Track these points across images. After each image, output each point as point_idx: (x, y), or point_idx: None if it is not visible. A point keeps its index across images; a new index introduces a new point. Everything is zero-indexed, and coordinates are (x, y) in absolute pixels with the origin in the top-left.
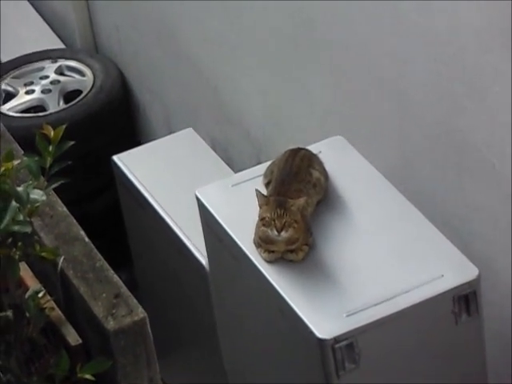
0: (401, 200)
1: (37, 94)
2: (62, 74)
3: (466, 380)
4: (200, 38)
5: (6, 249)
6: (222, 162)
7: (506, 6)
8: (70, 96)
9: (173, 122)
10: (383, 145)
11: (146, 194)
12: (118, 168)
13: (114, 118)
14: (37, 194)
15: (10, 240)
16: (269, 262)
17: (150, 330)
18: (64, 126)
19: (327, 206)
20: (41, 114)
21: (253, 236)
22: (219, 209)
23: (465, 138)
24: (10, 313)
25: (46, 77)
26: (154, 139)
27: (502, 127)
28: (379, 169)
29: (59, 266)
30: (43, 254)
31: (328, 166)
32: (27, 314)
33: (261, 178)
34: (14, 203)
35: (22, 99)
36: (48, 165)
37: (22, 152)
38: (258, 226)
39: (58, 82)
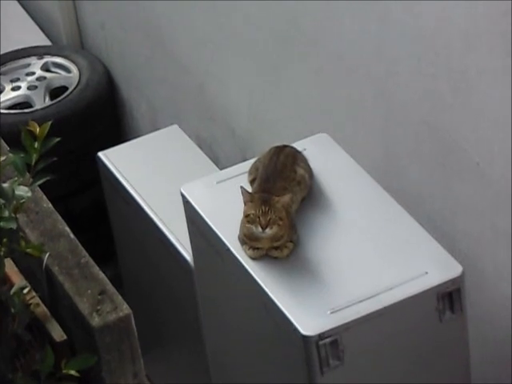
0: (385, 197)
1: (23, 91)
2: (47, 70)
3: (449, 378)
4: (186, 35)
5: None
6: (207, 159)
7: (490, 5)
8: (55, 92)
9: (158, 119)
10: (368, 142)
11: (132, 191)
12: (104, 164)
13: (99, 115)
14: (22, 191)
15: None
16: (253, 258)
17: (134, 327)
18: (50, 123)
19: (312, 203)
20: (27, 110)
21: (237, 233)
22: (204, 205)
23: (449, 137)
24: None
25: (32, 73)
26: (140, 136)
27: (487, 126)
28: (364, 166)
29: (44, 263)
30: (28, 250)
31: (313, 164)
32: (12, 310)
33: (246, 175)
34: None
35: (8, 95)
36: (34, 161)
37: (8, 148)
38: (242, 223)
39: (44, 78)
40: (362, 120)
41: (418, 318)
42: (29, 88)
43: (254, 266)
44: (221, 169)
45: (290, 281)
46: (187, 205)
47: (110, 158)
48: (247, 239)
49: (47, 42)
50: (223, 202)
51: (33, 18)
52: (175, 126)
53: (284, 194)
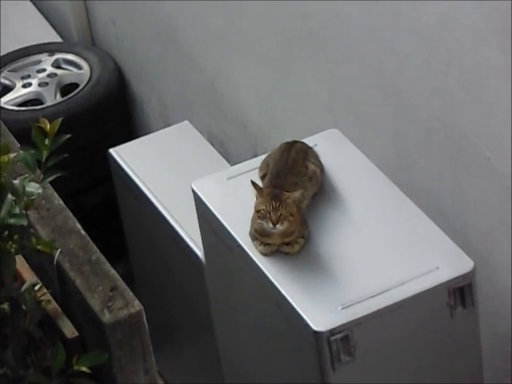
0: (396, 193)
1: (34, 88)
2: (58, 67)
3: (461, 374)
4: (197, 31)
5: (2, 242)
6: (218, 155)
7: (502, 2)
8: (66, 89)
9: (169, 115)
10: (379, 138)
11: (143, 187)
12: (115, 161)
13: (110, 111)
14: (33, 187)
15: (6, 233)
16: (265, 254)
17: (146, 323)
18: (60, 120)
19: (323, 198)
20: (37, 107)
21: (248, 229)
22: (215, 201)
23: (460, 132)
24: (6, 306)
25: (43, 70)
26: (151, 132)
27: (497, 121)
28: (374, 162)
29: (55, 259)
30: (39, 246)
31: (323, 159)
32: (24, 307)
33: (256, 171)
34: (10, 196)
35: (19, 92)
36: (44, 158)
37: (19, 145)
38: (253, 219)
39: (55, 75)
40: (372, 116)
41: (429, 313)
42: (40, 85)
43: (265, 262)
44: (232, 165)
45: (301, 276)
46: (198, 201)
47: (121, 154)
48: (258, 235)
49: (58, 39)
50: (234, 198)
51: (43, 14)
52: (186, 122)
53: (295, 190)
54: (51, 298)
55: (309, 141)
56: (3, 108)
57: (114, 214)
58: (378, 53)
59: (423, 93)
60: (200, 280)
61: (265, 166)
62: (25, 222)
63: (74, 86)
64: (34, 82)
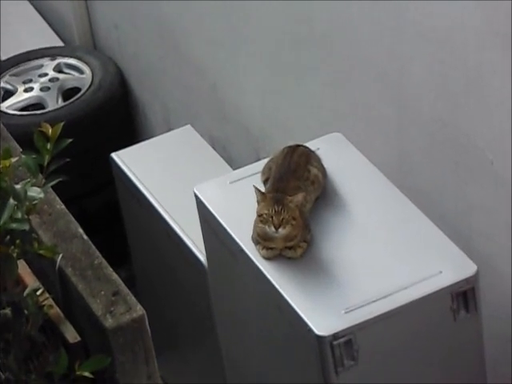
0: (399, 197)
1: (35, 92)
2: (60, 71)
3: (464, 377)
4: (199, 35)
5: (4, 246)
6: (221, 159)
7: (505, 4)
8: (68, 94)
9: (171, 120)
10: (381, 141)
11: (145, 191)
12: (117, 165)
13: (112, 116)
14: (35, 192)
15: (8, 238)
16: (267, 258)
17: (148, 328)
18: (62, 124)
19: (325, 202)
20: (39, 111)
21: (251, 233)
22: (217, 206)
23: (463, 135)
24: (8, 311)
25: (45, 74)
26: (153, 136)
27: (500, 124)
28: (377, 165)
29: (57, 264)
30: (41, 251)
31: (326, 163)
32: (26, 312)
33: (259, 175)
34: (11, 201)
35: (21, 97)
36: (46, 162)
37: (21, 150)
38: (256, 223)
39: (57, 79)
40: (375, 119)
41: (432, 317)
42: (41, 89)
43: (268, 266)
44: (234, 169)
45: (303, 281)
46: (201, 205)
47: (124, 158)
48: (261, 239)
49: (60, 43)
50: (237, 202)
51: (45, 18)
52: (188, 127)
53: (297, 194)
54: (53, 303)
55: (311, 144)
56: (5, 112)
57: (116, 219)
58: (382, 56)
59: (427, 96)
60: (202, 284)
61: (267, 169)
62: (27, 227)
63: (76, 90)
64: (36, 86)
